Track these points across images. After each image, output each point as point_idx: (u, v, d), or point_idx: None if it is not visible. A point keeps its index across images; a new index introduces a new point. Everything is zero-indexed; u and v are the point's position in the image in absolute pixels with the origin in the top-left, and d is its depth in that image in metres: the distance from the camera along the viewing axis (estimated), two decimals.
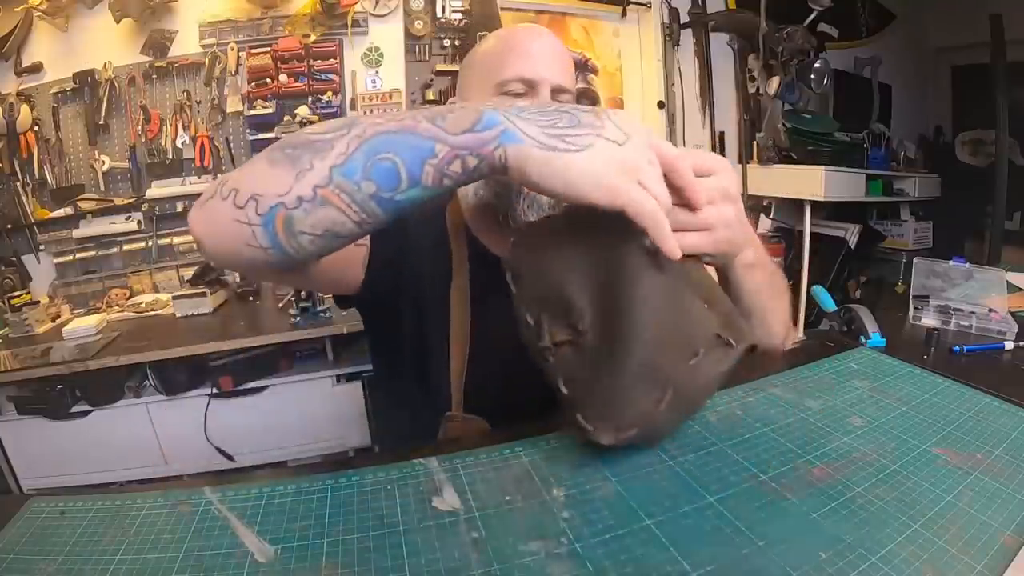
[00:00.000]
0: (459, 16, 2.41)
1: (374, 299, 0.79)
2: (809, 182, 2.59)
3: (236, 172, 0.48)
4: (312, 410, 1.96)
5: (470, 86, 0.79)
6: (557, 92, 0.75)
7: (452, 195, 0.82)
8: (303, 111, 2.26)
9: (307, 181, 0.42)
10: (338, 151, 0.42)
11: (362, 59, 2.37)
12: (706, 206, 0.49)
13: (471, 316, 0.75)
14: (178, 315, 1.99)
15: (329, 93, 2.31)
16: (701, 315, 0.49)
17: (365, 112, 2.37)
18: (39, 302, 2.04)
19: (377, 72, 2.39)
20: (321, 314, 1.85)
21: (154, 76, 2.23)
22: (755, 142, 2.86)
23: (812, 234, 2.74)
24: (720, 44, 2.90)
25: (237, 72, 2.26)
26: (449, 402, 0.75)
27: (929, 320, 0.92)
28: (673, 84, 2.83)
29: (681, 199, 0.48)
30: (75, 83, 2.15)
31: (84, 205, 2.20)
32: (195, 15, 2.24)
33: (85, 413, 1.83)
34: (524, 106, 0.45)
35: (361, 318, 0.88)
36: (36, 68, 2.15)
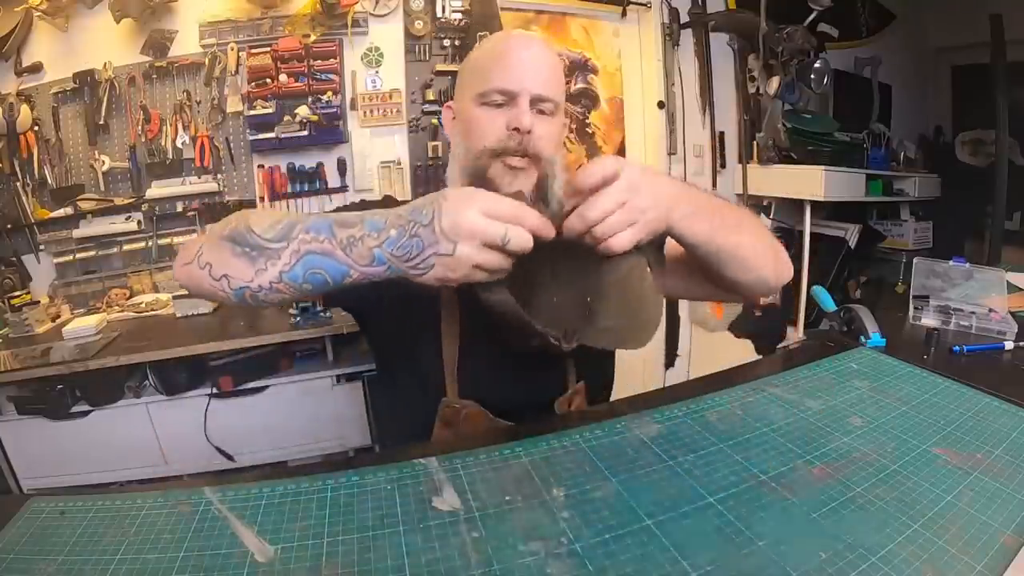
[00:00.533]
0: (459, 16, 2.41)
1: (350, 305, 0.89)
2: (809, 182, 2.59)
3: (207, 248, 0.64)
4: (312, 410, 1.96)
5: (461, 89, 0.86)
6: (537, 101, 0.80)
7: None
8: (303, 111, 2.25)
9: (264, 278, 0.60)
10: (283, 261, 0.59)
11: (362, 59, 2.37)
12: (621, 208, 0.60)
13: (459, 307, 0.80)
14: (178, 315, 1.99)
15: (329, 93, 2.31)
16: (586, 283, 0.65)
17: (365, 113, 2.37)
18: (39, 302, 2.04)
19: (377, 72, 2.39)
20: (321, 314, 1.85)
21: (154, 76, 2.22)
22: (755, 142, 2.86)
23: (812, 234, 2.74)
24: (720, 44, 2.90)
25: (237, 72, 2.26)
26: (444, 390, 0.79)
27: (929, 320, 0.92)
28: (673, 84, 2.82)
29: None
30: (75, 83, 2.15)
31: (84, 205, 2.20)
32: (195, 15, 2.23)
33: (85, 413, 1.83)
34: (394, 238, 0.57)
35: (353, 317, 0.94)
36: (36, 68, 2.15)
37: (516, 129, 0.78)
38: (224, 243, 0.62)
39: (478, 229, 0.56)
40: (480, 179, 0.79)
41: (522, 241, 0.57)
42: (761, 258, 0.75)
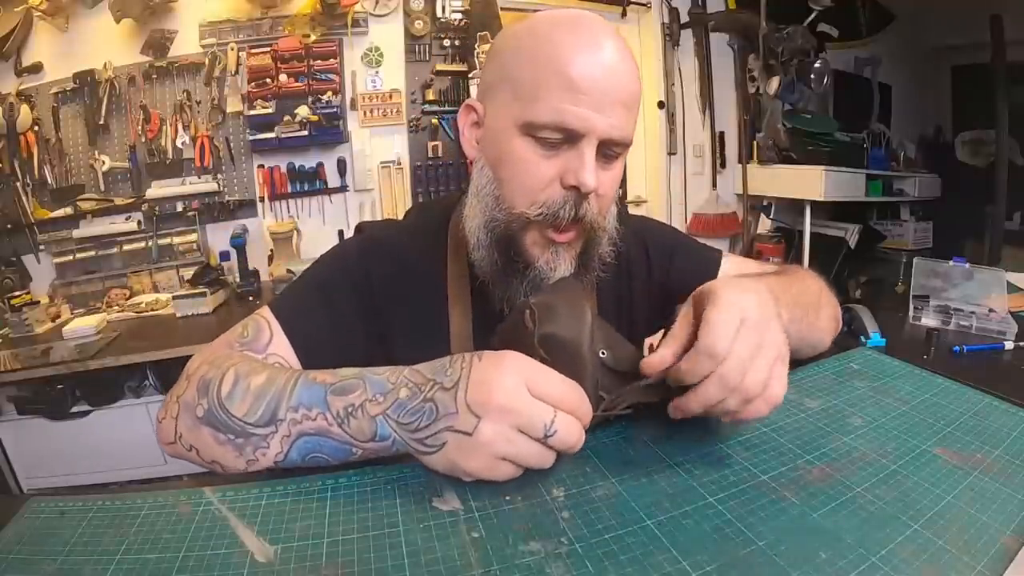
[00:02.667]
0: (459, 16, 2.41)
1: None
2: (809, 182, 2.59)
3: (185, 429, 0.53)
4: None
5: (498, 95, 0.60)
6: (606, 146, 0.58)
7: (453, 235, 0.70)
8: (303, 111, 2.26)
9: (259, 467, 0.50)
10: (275, 449, 0.49)
11: (362, 59, 2.37)
12: (759, 357, 0.46)
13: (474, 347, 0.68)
14: (178, 315, 1.99)
15: (329, 93, 2.31)
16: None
17: (365, 113, 2.37)
18: (39, 302, 2.04)
19: (377, 72, 2.39)
20: None
21: (154, 76, 2.23)
22: (755, 142, 2.86)
23: (812, 234, 2.74)
24: (720, 44, 2.90)
25: (237, 72, 2.26)
26: None
27: (929, 320, 0.92)
28: (673, 84, 2.83)
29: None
30: (75, 83, 2.15)
31: (84, 205, 2.20)
32: (195, 15, 2.24)
33: (85, 413, 1.83)
34: (404, 401, 0.46)
35: None
36: (36, 68, 2.15)
37: (575, 187, 0.57)
38: (203, 428, 0.51)
39: (516, 407, 0.43)
40: (509, 246, 0.61)
41: (571, 436, 0.44)
42: (826, 335, 0.71)
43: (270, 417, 0.49)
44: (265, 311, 0.65)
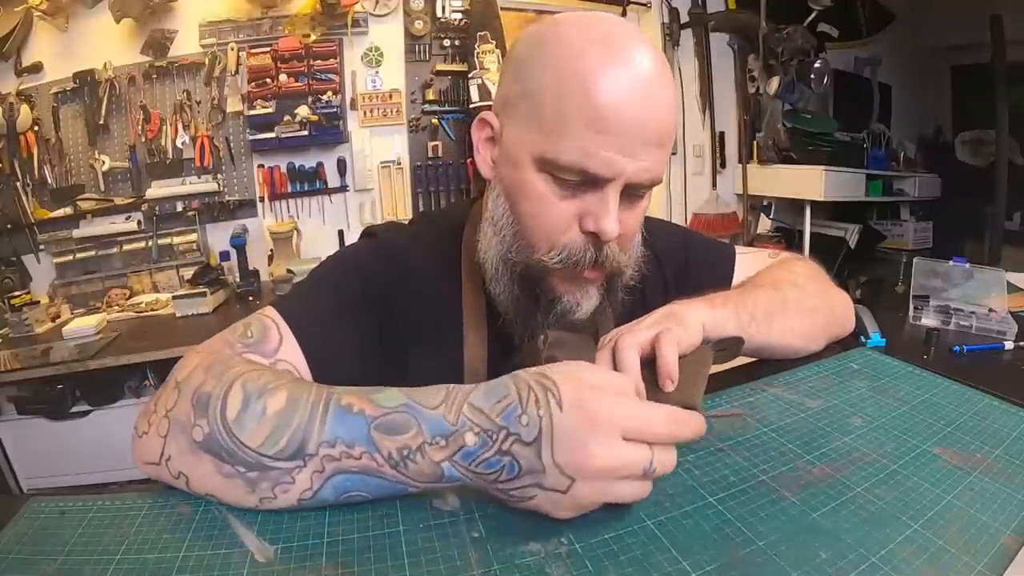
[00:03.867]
0: (459, 16, 2.41)
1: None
2: (809, 182, 2.59)
3: (176, 452, 0.45)
4: None
5: (519, 117, 0.54)
6: (633, 187, 0.53)
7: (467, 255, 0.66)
8: (303, 111, 2.26)
9: (276, 505, 0.42)
10: (302, 487, 0.42)
11: (362, 59, 2.37)
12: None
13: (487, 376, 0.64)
14: (178, 315, 1.99)
15: (329, 93, 2.31)
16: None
17: (365, 113, 2.37)
18: (39, 302, 2.04)
19: (377, 72, 2.39)
20: None
21: (154, 76, 2.23)
22: (755, 142, 2.86)
23: (812, 234, 2.74)
24: (720, 44, 2.91)
25: (237, 72, 2.26)
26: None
27: (929, 320, 0.91)
28: None
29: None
30: (75, 83, 2.15)
31: (84, 205, 2.20)
32: (195, 15, 2.24)
33: (85, 413, 1.83)
34: (473, 449, 0.40)
35: None
36: (36, 68, 2.15)
37: (594, 233, 0.53)
38: (203, 455, 0.43)
39: (615, 465, 0.39)
40: (533, 283, 0.58)
41: (668, 467, 0.41)
42: (806, 338, 0.70)
43: (296, 450, 0.41)
44: (270, 311, 0.59)
